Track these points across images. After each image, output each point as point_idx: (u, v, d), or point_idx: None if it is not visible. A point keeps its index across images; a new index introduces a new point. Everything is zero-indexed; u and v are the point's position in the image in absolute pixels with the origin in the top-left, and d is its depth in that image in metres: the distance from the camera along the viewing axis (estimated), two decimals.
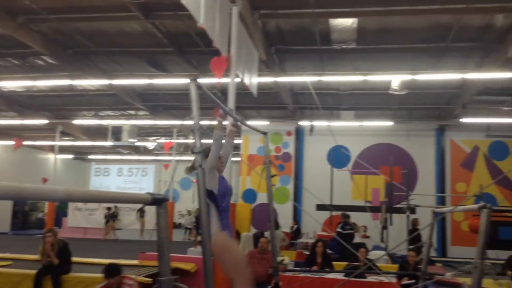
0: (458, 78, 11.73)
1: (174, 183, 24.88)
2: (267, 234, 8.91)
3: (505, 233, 14.42)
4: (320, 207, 13.02)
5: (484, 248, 3.76)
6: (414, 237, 11.18)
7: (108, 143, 17.70)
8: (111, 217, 19.09)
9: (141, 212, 18.99)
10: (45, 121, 17.51)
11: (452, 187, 15.75)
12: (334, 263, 8.64)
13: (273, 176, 6.14)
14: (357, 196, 14.76)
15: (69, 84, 13.23)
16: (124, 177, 29.62)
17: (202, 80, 3.62)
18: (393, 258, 10.55)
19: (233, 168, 17.77)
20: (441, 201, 15.31)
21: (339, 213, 12.11)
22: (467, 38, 9.90)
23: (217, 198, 3.85)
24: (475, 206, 3.94)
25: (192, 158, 3.72)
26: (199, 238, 10.76)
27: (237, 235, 9.03)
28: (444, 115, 15.37)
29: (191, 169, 4.01)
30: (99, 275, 5.50)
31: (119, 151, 26.50)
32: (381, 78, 11.91)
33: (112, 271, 5.29)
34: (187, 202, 25.41)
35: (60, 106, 16.71)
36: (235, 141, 5.00)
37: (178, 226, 24.09)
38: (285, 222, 14.47)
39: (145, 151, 24.80)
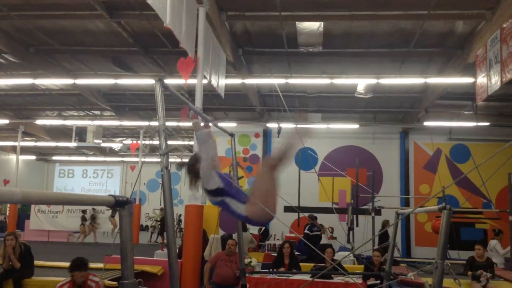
0: (420, 83, 12.04)
1: (141, 185, 24.61)
2: (235, 236, 8.89)
3: (466, 233, 14.89)
4: (288, 209, 13.08)
5: (445, 249, 3.87)
6: (382, 238, 11.40)
7: (73, 144, 17.28)
8: (92, 219, 18.40)
9: (113, 211, 18.53)
10: (6, 121, 17.00)
11: (415, 189, 16.11)
12: (302, 264, 8.70)
13: (240, 178, 6.14)
14: (324, 198, 14.90)
15: (31, 83, 12.86)
16: (89, 178, 29.09)
17: (169, 81, 3.60)
18: (359, 259, 10.72)
19: None
20: (405, 203, 15.65)
21: (306, 214, 12.20)
22: (429, 44, 10.16)
23: (225, 190, 3.69)
24: (436, 207, 4.05)
25: (158, 159, 3.68)
26: (165, 241, 10.65)
27: (205, 237, 8.97)
28: (408, 119, 15.74)
29: (181, 165, 3.94)
30: (63, 278, 5.36)
31: (84, 152, 25.98)
32: (347, 81, 12.11)
33: (78, 264, 5.10)
34: (154, 204, 25.14)
35: (22, 105, 16.24)
36: None
37: (145, 228, 23.79)
38: None
39: (110, 152, 24.39)
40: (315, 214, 12.39)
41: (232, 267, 7.10)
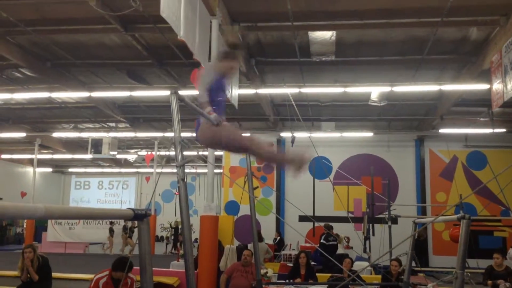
0: (435, 90, 11.95)
1: (156, 196, 24.72)
2: (250, 246, 8.87)
3: (485, 242, 14.65)
4: (303, 218, 13.03)
5: (464, 258, 3.81)
6: (418, 248, 11.53)
7: (88, 156, 17.46)
8: (130, 231, 17.39)
9: (129, 231, 17.48)
10: (23, 134, 17.25)
11: (432, 197, 15.92)
12: (318, 275, 8.63)
13: (255, 188, 6.13)
14: (339, 207, 14.81)
15: (48, 96, 13.06)
16: (105, 190, 29.31)
17: (182, 92, 3.63)
18: (376, 268, 10.60)
19: (216, 180, 17.71)
20: (422, 211, 15.47)
21: (321, 224, 12.12)
22: (443, 51, 10.11)
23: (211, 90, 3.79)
24: (455, 216, 3.99)
25: (172, 170, 3.70)
26: (181, 252, 10.66)
27: (220, 248, 8.96)
28: (423, 126, 15.62)
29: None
30: None
31: (100, 164, 26.21)
32: (360, 89, 12.07)
33: (118, 264, 5.32)
34: (169, 215, 25.21)
35: (38, 118, 16.48)
36: (216, 153, 4.97)
37: (160, 239, 23.85)
38: (268, 234, 14.44)
39: (125, 163, 24.58)
40: (330, 224, 12.31)
41: (248, 278, 7.07)
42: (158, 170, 18.92)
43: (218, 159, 17.36)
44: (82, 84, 12.56)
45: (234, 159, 16.64)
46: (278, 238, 14.75)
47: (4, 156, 21.13)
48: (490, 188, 14.75)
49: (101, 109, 14.28)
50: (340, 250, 11.31)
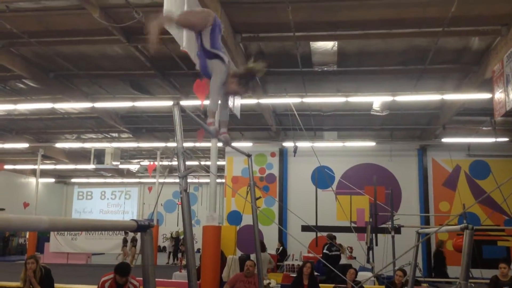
0: (437, 99, 11.96)
1: (158, 206, 24.71)
2: (253, 257, 8.84)
3: (488, 251, 14.56)
4: (306, 228, 12.99)
5: (468, 269, 3.79)
6: (437, 260, 12.52)
7: (91, 166, 17.49)
8: (133, 241, 17.59)
9: (134, 242, 17.57)
10: (26, 145, 17.30)
11: (435, 207, 15.86)
12: (321, 285, 8.59)
13: (258, 198, 6.13)
14: (342, 217, 14.77)
15: (51, 107, 13.11)
16: (107, 200, 29.31)
17: (185, 102, 3.66)
18: (379, 279, 10.54)
19: (218, 190, 17.69)
20: (425, 221, 15.40)
21: (324, 234, 12.08)
22: (445, 60, 10.13)
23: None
24: (458, 227, 3.99)
25: (175, 180, 3.70)
26: (184, 262, 10.64)
27: (222, 258, 8.93)
28: (425, 135, 15.61)
29: None
30: None
31: (102, 174, 26.25)
32: (363, 99, 12.08)
33: (121, 269, 5.61)
34: (171, 225, 25.17)
35: (41, 129, 16.54)
36: (219, 163, 4.99)
37: (163, 250, 23.79)
38: (271, 244, 14.38)
39: (128, 173, 24.61)
40: (333, 233, 12.26)
41: None
42: (161, 180, 18.92)
43: (221, 169, 17.35)
44: (85, 95, 12.62)
45: (236, 169, 16.65)
46: (281, 248, 14.70)
47: (7, 166, 21.15)
48: (493, 198, 14.70)
49: (104, 120, 14.33)
50: (343, 260, 11.25)
